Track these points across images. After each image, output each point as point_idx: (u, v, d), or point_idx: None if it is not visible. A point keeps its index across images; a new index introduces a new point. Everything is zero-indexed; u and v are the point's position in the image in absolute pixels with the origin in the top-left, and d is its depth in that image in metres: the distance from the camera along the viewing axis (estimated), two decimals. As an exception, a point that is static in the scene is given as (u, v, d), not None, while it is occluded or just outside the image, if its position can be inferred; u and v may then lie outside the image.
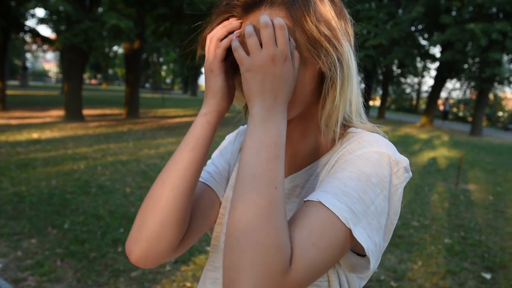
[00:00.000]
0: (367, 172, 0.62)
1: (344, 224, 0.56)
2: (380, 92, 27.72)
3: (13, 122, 10.37)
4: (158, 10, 12.70)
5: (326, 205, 0.57)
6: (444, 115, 25.45)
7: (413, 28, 20.67)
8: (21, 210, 3.96)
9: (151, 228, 0.65)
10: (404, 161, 0.66)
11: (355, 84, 0.68)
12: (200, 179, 0.79)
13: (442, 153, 10.49)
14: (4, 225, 3.57)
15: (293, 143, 0.74)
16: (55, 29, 13.11)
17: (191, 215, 0.72)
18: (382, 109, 24.37)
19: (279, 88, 0.59)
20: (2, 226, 3.53)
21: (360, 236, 0.56)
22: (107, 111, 15.51)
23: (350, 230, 0.56)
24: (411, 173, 0.67)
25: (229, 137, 0.87)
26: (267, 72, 0.59)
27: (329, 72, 0.64)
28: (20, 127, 9.37)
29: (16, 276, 2.73)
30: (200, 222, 0.74)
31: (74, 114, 11.76)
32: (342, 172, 0.63)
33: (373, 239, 0.58)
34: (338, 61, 0.63)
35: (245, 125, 0.84)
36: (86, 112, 12.68)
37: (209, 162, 0.84)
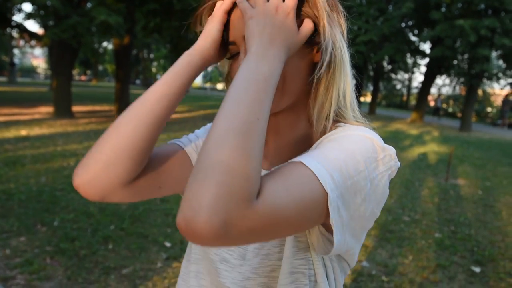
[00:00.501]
0: (351, 148, 0.60)
1: (323, 186, 0.54)
2: (371, 88, 27.86)
3: (1, 119, 10.22)
4: (148, 6, 12.59)
5: (308, 165, 0.56)
6: (436, 111, 25.58)
7: (403, 24, 20.77)
8: (9, 207, 3.91)
9: (103, 153, 0.63)
10: (390, 149, 0.64)
11: (348, 76, 0.68)
12: (178, 142, 0.77)
13: (432, 149, 10.59)
14: (-8, 223, 3.52)
15: (281, 135, 0.73)
16: (43, 25, 12.92)
17: (153, 167, 0.70)
18: (373, 105, 24.48)
19: (279, 34, 0.59)
20: (-10, 224, 3.49)
21: (332, 203, 0.55)
22: (97, 107, 15.36)
23: (326, 197, 0.55)
24: (398, 163, 0.66)
25: None
26: (268, 20, 0.59)
27: (321, 62, 0.64)
28: (8, 124, 9.24)
29: (4, 274, 2.69)
30: (162, 176, 0.71)
31: (63, 111, 11.62)
32: (324, 146, 0.62)
33: (340, 211, 0.57)
34: (330, 51, 0.64)
35: None
36: (75, 108, 12.53)
37: (191, 133, 0.83)
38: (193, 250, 0.79)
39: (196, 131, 0.83)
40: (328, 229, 0.61)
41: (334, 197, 0.55)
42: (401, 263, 3.29)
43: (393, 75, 31.50)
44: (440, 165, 8.09)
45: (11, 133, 8.10)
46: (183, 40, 13.99)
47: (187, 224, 0.46)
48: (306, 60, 0.66)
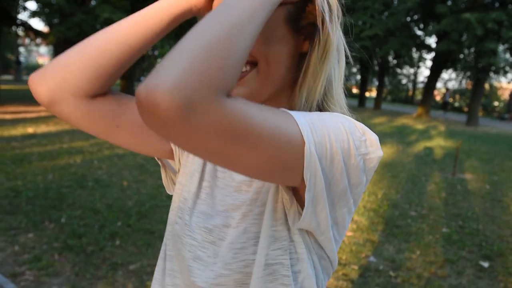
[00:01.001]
0: (336, 119, 0.58)
1: (301, 133, 0.52)
2: (376, 83, 27.72)
3: (8, 116, 10.28)
4: (152, 3, 12.60)
5: (289, 112, 0.54)
6: (444, 106, 25.31)
7: (408, 19, 20.64)
8: (17, 205, 3.94)
9: (67, 56, 0.62)
10: (373, 135, 0.61)
11: (339, 69, 0.67)
12: None
13: (439, 143, 10.52)
14: (1, 219, 3.54)
15: None
16: (48, 22, 12.97)
17: (116, 99, 0.67)
18: (378, 100, 24.34)
19: None
20: (-2, 221, 3.51)
21: (308, 156, 0.53)
22: (103, 105, 15.39)
23: (303, 146, 0.52)
24: (381, 152, 0.61)
25: None
26: None
27: (311, 50, 0.62)
28: (15, 122, 9.29)
29: (13, 270, 2.72)
30: (122, 115, 0.67)
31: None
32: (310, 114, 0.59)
33: (317, 172, 0.54)
34: (322, 41, 0.62)
35: None
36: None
37: None
38: (168, 247, 0.75)
39: None
40: (303, 205, 0.58)
41: (313, 150, 0.53)
42: (409, 258, 3.28)
43: (398, 70, 31.32)
44: (447, 160, 8.04)
45: (18, 130, 8.15)
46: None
47: (148, 93, 0.42)
48: (292, 47, 0.63)
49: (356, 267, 3.05)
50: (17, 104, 13.41)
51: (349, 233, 3.71)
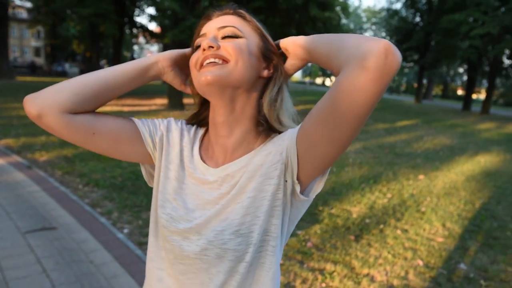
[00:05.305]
0: None
1: None
2: (486, 84, 25.38)
3: (126, 109, 11.69)
4: (254, 3, 13.24)
5: None
6: None
7: (529, 14, 18.55)
8: (138, 186, 4.62)
9: (61, 85, 0.81)
10: None
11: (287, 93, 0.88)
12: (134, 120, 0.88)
13: (556, 155, 9.45)
14: (127, 198, 4.22)
15: (221, 137, 0.85)
16: (161, 25, 14.35)
17: (95, 114, 0.83)
18: (486, 103, 22.31)
19: None
20: (125, 199, 4.19)
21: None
22: (204, 100, 16.49)
23: None
24: None
25: (173, 124, 0.96)
26: None
27: (274, 75, 0.84)
28: (131, 114, 10.44)
29: (139, 240, 3.28)
30: (98, 123, 0.82)
31: (175, 103, 12.84)
32: None
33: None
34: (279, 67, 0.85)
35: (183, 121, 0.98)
36: (186, 101, 13.71)
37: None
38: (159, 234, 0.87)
39: (161, 119, 0.95)
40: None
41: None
42: (504, 270, 3.20)
43: (514, 71, 28.26)
44: None
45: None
46: (285, 36, 14.41)
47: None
48: (257, 64, 0.81)
49: (444, 272, 3.09)
50: (133, 97, 15.08)
51: (440, 239, 3.71)
